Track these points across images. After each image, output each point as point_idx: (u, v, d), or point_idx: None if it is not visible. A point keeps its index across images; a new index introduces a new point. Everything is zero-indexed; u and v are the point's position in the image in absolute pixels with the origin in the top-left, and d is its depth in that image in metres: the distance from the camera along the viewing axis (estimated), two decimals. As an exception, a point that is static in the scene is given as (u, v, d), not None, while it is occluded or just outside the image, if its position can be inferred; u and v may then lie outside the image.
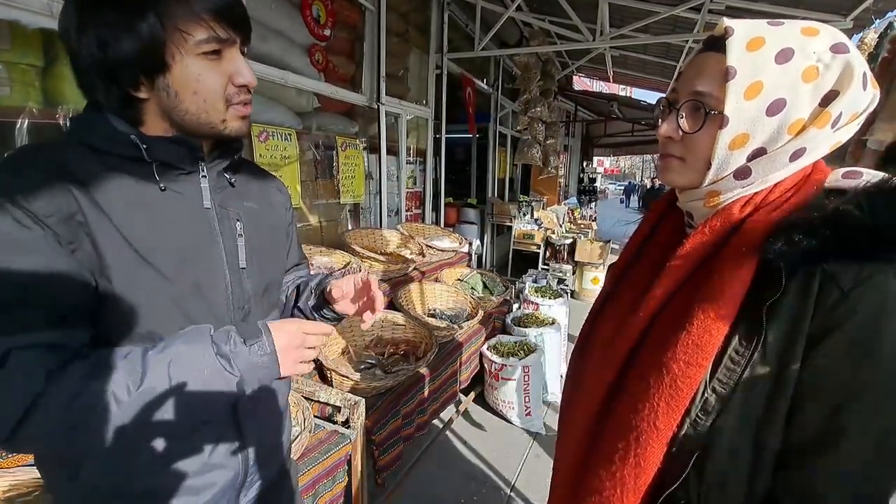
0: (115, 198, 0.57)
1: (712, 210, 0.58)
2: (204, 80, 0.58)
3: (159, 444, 0.62)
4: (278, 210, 0.81)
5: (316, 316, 0.87)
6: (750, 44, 0.50)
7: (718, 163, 0.54)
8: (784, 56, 0.49)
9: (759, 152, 0.52)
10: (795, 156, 0.52)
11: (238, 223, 0.69)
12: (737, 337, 0.51)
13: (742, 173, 0.54)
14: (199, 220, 0.65)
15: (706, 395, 0.52)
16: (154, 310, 0.59)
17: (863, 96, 0.49)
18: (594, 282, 5.07)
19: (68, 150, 0.57)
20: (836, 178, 0.55)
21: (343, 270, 2.22)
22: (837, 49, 0.49)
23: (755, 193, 0.55)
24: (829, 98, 0.49)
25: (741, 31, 0.51)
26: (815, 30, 0.50)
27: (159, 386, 0.53)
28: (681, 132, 0.56)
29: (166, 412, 0.55)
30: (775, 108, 0.50)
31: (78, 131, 0.59)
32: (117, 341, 0.58)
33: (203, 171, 0.65)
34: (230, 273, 0.67)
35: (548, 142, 5.66)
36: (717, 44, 0.53)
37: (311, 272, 0.96)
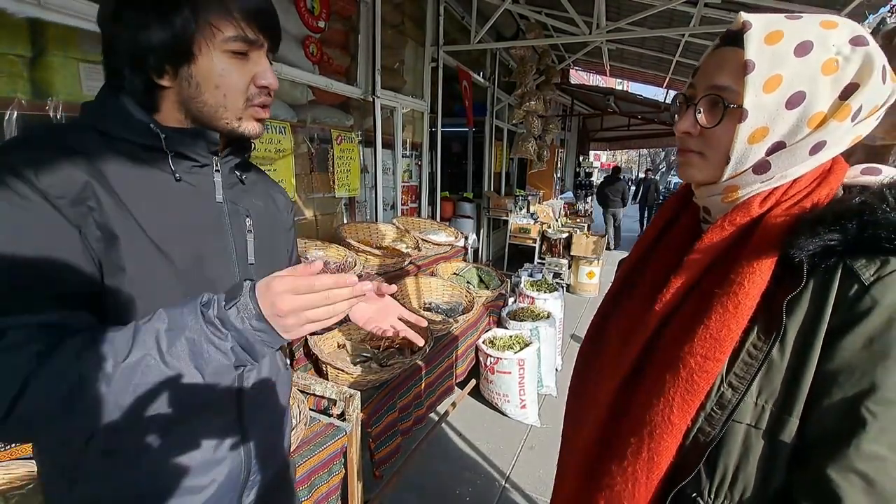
0: (128, 184, 0.57)
1: (731, 205, 0.58)
2: (227, 75, 0.59)
3: (157, 433, 0.61)
4: (282, 211, 0.83)
5: None
6: (768, 37, 0.50)
7: (737, 157, 0.54)
8: (803, 49, 0.49)
9: (779, 146, 0.52)
10: (815, 149, 0.51)
11: (248, 219, 0.70)
12: (755, 331, 0.51)
13: (761, 167, 0.54)
14: (211, 214, 0.65)
15: (722, 389, 0.52)
16: (163, 301, 0.57)
17: (882, 89, 0.49)
18: (590, 276, 5.09)
19: (80, 133, 0.57)
20: (854, 174, 0.55)
21: (341, 264, 2.21)
22: (857, 42, 0.48)
23: (775, 189, 0.55)
24: (849, 91, 0.49)
25: (759, 24, 0.51)
26: (834, 23, 0.50)
27: (147, 358, 0.50)
28: (699, 127, 0.56)
29: (158, 389, 0.52)
30: (795, 101, 0.50)
31: (91, 115, 0.59)
32: None
33: (217, 165, 0.66)
34: (239, 268, 0.67)
35: (544, 136, 5.65)
36: (734, 39, 0.53)
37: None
